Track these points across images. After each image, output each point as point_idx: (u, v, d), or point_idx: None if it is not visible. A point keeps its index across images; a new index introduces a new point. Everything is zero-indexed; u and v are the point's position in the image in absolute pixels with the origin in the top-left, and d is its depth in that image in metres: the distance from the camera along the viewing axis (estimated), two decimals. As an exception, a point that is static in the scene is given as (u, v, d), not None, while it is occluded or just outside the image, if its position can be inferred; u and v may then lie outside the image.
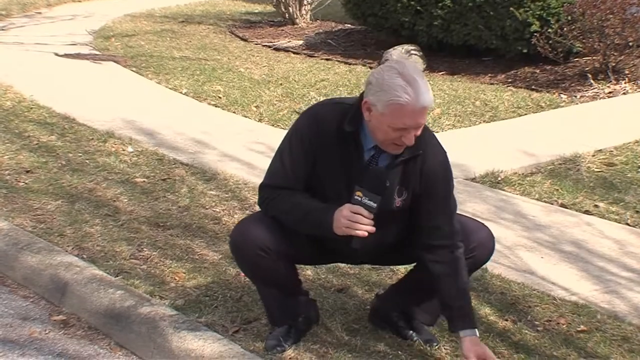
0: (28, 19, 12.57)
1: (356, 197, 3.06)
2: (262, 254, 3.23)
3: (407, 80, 2.99)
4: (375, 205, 3.05)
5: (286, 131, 3.37)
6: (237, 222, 3.50)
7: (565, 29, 8.36)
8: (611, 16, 7.97)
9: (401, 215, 3.27)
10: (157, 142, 6.31)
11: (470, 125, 7.01)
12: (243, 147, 6.23)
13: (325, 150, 3.17)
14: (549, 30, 8.53)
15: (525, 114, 7.39)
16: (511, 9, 8.72)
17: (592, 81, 8.11)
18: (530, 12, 8.65)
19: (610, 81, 8.09)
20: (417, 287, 3.45)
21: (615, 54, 8.18)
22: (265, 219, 3.28)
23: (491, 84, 8.67)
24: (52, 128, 6.53)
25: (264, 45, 10.86)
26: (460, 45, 9.48)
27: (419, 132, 3.07)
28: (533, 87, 8.39)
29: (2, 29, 11.52)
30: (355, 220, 3.04)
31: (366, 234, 3.06)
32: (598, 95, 7.87)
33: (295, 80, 8.64)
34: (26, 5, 13.66)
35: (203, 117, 7.24)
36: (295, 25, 12.20)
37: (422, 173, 3.18)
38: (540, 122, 7.13)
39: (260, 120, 7.11)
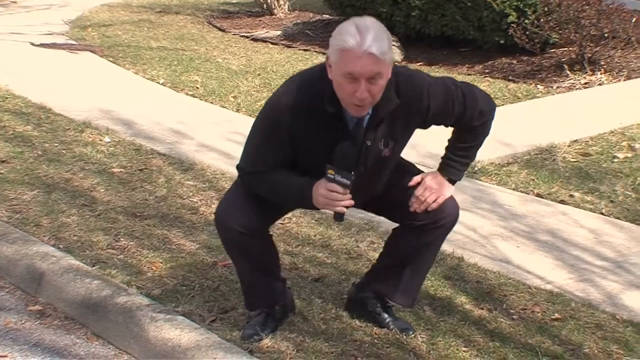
0: (3, 8, 12.46)
1: (329, 176, 3.04)
2: (246, 232, 3.22)
3: (359, 28, 2.95)
4: (348, 182, 3.03)
5: None
6: (222, 197, 3.42)
7: (541, 20, 8.41)
8: (587, 7, 8.02)
9: (391, 166, 3.30)
10: (134, 132, 6.29)
11: (447, 116, 7.03)
12: (220, 137, 6.22)
13: (306, 134, 3.11)
14: (526, 21, 8.58)
15: (502, 105, 7.41)
16: (488, 0, 8.75)
17: (568, 72, 8.16)
18: (507, 3, 8.68)
19: (586, 72, 8.14)
20: (391, 266, 3.49)
21: (591, 45, 8.22)
22: (249, 192, 3.26)
23: (469, 74, 8.70)
24: (28, 118, 6.49)
25: (241, 36, 10.84)
26: (437, 36, 9.51)
27: (375, 88, 2.98)
28: (510, 77, 8.43)
29: (-23, 19, 11.42)
30: (332, 198, 3.05)
31: (345, 210, 3.07)
32: (574, 86, 7.92)
33: (273, 71, 8.63)
34: (1, -6, 13.55)
35: (180, 107, 7.22)
36: (273, 16, 12.18)
37: (408, 115, 3.17)
38: (517, 112, 7.17)
39: (237, 111, 7.10)
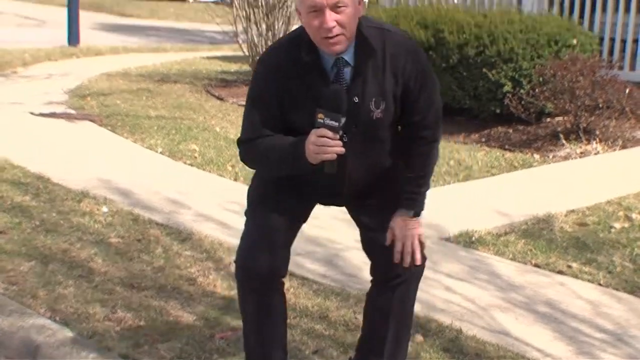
0: (4, 78, 12.57)
1: (319, 120, 3.01)
2: (269, 273, 3.23)
3: None
4: (337, 124, 3.00)
5: None
6: (238, 246, 3.36)
7: (536, 90, 8.51)
8: (581, 78, 8.13)
9: (386, 132, 3.25)
10: (132, 201, 6.30)
11: (444, 185, 7.07)
12: (218, 207, 6.23)
13: (291, 88, 3.13)
14: (521, 91, 8.69)
15: (499, 174, 7.47)
16: (484, 70, 8.87)
17: (564, 141, 8.23)
18: (503, 73, 8.80)
19: (582, 141, 8.21)
20: (374, 335, 3.48)
21: (586, 114, 8.32)
22: (258, 228, 3.26)
23: (465, 143, 8.77)
24: (27, 188, 6.50)
25: (239, 105, 10.92)
26: (433, 105, 9.58)
27: (342, 17, 2.99)
28: (506, 146, 8.50)
29: (-22, 89, 11.51)
30: (322, 143, 3.01)
31: (335, 156, 3.03)
32: (570, 155, 7.98)
33: (270, 140, 8.65)
34: (1, 64, 13.65)
35: (178, 176, 7.25)
36: (271, 85, 12.28)
37: (394, 74, 3.13)
38: (514, 181, 7.21)
39: (235, 180, 7.12)
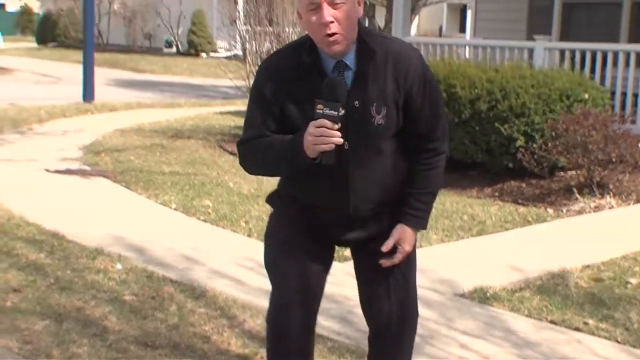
0: (20, 135, 12.69)
1: (317, 111, 3.00)
2: (301, 324, 3.30)
3: None
4: (336, 113, 2.99)
5: None
6: (270, 307, 3.37)
7: (549, 144, 8.54)
8: (594, 132, 8.15)
9: (389, 144, 3.23)
10: (147, 258, 6.31)
11: (458, 240, 7.05)
12: (232, 263, 6.23)
13: (291, 90, 3.15)
14: (534, 145, 8.70)
15: (513, 228, 7.45)
16: (496, 124, 8.90)
17: (577, 195, 8.22)
18: (515, 127, 8.83)
19: (595, 195, 8.19)
20: None
21: (599, 168, 8.32)
22: (285, 287, 3.28)
23: (478, 197, 8.77)
24: (41, 245, 6.52)
25: (252, 160, 10.96)
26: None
27: (340, 14, 3.03)
28: (519, 201, 8.49)
29: (-6, 145, 11.61)
30: (320, 133, 3.00)
31: (333, 146, 3.01)
32: (584, 210, 7.96)
33: (284, 195, 8.67)
34: (18, 121, 13.82)
35: (192, 232, 7.26)
36: (284, 140, 12.35)
37: (395, 80, 3.14)
38: (528, 236, 7.19)
39: (249, 236, 7.13)
